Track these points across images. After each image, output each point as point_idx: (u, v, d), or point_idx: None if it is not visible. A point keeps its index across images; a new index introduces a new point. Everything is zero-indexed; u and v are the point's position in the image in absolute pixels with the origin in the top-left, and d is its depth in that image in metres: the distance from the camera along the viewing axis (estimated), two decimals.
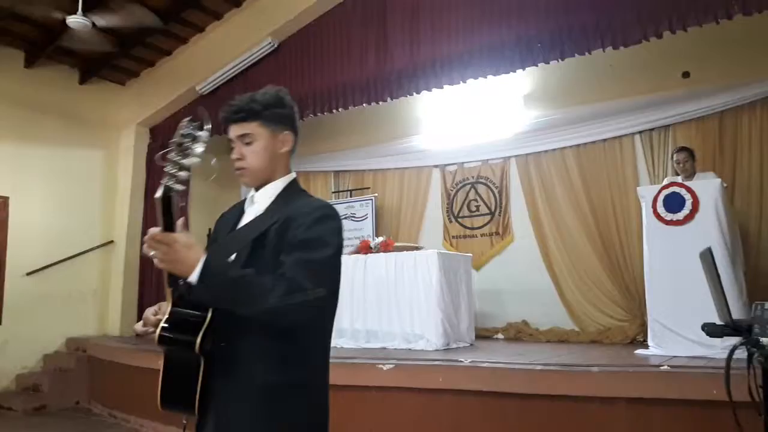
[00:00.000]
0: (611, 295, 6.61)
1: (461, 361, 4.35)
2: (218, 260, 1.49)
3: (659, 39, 5.04)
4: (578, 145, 6.99)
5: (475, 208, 7.74)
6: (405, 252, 6.07)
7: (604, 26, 5.17)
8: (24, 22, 6.64)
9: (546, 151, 7.22)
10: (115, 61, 7.97)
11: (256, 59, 7.34)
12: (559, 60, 5.53)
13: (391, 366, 4.38)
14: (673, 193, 4.55)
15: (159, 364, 1.53)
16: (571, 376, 3.81)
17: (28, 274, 7.23)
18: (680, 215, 4.48)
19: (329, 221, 1.61)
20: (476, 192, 7.76)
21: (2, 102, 7.21)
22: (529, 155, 7.35)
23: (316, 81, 7.01)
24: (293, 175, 1.79)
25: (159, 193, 1.38)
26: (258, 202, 1.74)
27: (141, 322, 1.62)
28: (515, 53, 5.65)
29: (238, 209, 1.81)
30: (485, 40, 5.83)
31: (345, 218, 8.42)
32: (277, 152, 1.73)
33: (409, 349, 5.42)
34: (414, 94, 6.53)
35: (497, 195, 7.59)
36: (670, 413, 3.40)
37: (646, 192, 4.80)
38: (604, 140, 6.83)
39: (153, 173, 8.50)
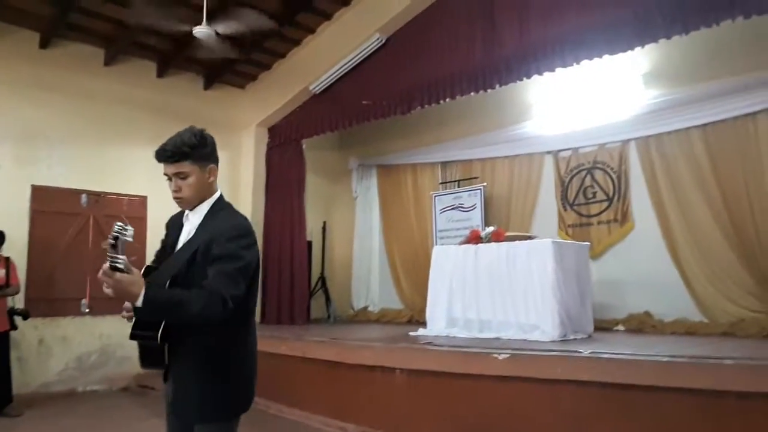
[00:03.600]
0: (745, 285, 6.10)
1: (580, 352, 4.24)
2: (154, 288, 1.89)
3: None
4: (705, 125, 6.48)
5: (591, 195, 7.44)
6: (517, 241, 5.97)
7: None
8: (156, 35, 7.23)
9: (669, 133, 6.77)
10: (236, 66, 8.50)
11: (365, 56, 7.53)
12: (683, 35, 5.18)
13: (507, 355, 4.36)
14: None
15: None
16: (702, 369, 3.59)
17: None
18: None
19: (241, 239, 2.07)
20: (593, 178, 7.44)
21: (139, 110, 7.95)
22: (650, 137, 6.92)
23: (424, 73, 7.05)
24: (218, 194, 2.24)
25: (107, 243, 1.83)
26: (191, 220, 2.22)
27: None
28: (633, 30, 5.34)
29: (180, 221, 2.28)
30: (599, 18, 5.56)
31: (452, 209, 8.42)
32: (206, 182, 2.19)
33: (525, 340, 5.33)
34: (524, 79, 6.37)
35: (615, 180, 7.23)
36: None
37: None
38: (735, 118, 6.29)
39: (272, 170, 9.00)
